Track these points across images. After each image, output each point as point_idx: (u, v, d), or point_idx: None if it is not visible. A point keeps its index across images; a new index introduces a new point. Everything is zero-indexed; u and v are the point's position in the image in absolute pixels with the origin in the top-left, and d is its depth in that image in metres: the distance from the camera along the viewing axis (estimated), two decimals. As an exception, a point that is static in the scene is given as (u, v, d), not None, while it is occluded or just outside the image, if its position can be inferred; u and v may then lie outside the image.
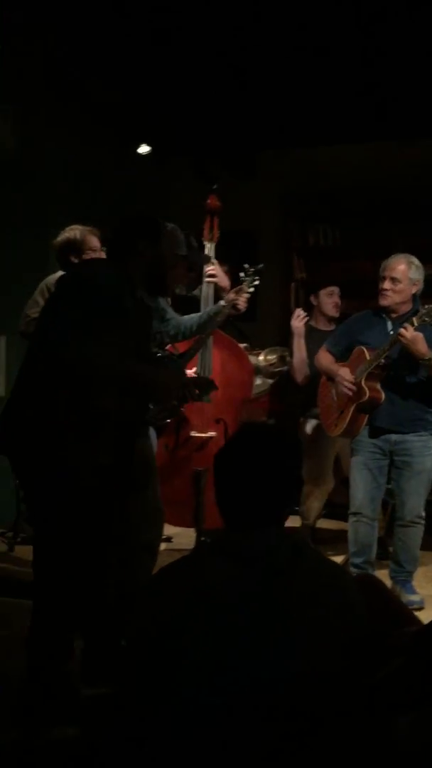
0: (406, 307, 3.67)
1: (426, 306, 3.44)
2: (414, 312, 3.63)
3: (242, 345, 4.58)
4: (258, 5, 4.02)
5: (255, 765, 1.31)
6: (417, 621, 1.90)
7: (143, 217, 2.79)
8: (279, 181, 6.18)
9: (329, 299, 4.68)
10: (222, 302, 3.63)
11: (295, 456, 1.66)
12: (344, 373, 3.71)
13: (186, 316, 3.66)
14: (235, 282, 3.87)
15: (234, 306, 3.58)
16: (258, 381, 4.75)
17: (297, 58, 4.58)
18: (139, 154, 5.47)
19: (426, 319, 3.39)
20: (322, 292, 4.72)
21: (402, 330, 3.41)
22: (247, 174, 6.05)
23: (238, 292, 3.59)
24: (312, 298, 4.88)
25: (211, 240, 4.33)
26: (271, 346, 5.00)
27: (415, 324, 3.41)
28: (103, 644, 2.66)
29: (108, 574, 2.75)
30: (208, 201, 4.38)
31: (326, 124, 5.38)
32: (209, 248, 4.34)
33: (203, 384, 3.24)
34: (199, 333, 3.61)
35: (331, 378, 3.86)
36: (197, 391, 3.17)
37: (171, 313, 3.48)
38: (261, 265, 3.72)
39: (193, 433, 4.24)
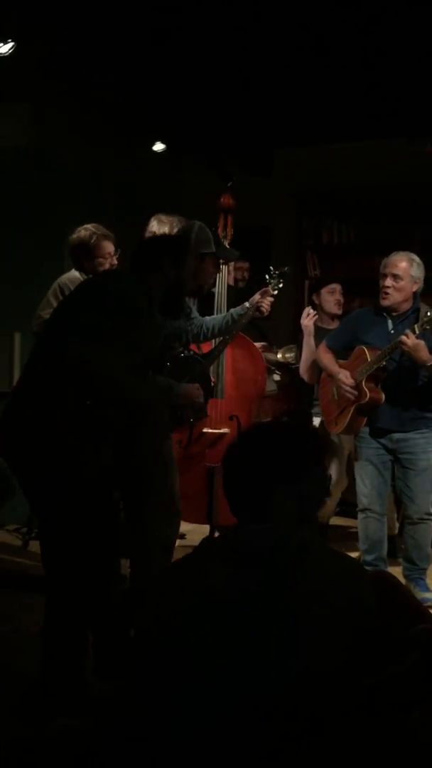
0: (407, 305, 3.64)
1: (429, 313, 3.41)
2: (415, 310, 3.61)
3: (260, 344, 4.58)
4: (273, 2, 4.01)
5: (258, 764, 1.31)
6: None
7: (170, 237, 2.82)
8: (293, 178, 6.19)
9: (331, 297, 4.66)
10: (247, 304, 3.60)
11: (308, 453, 1.65)
12: (344, 376, 3.70)
13: (210, 317, 3.64)
14: (256, 280, 3.84)
15: (258, 308, 3.54)
16: (276, 377, 4.75)
17: (312, 55, 4.57)
18: (155, 152, 5.47)
19: (427, 327, 3.37)
20: (324, 290, 4.70)
21: (403, 337, 3.38)
22: (262, 171, 6.05)
23: (263, 295, 3.55)
24: (314, 297, 4.85)
25: (224, 238, 4.33)
26: (287, 344, 4.99)
27: (417, 331, 3.38)
28: (112, 638, 2.68)
29: (112, 570, 2.78)
30: (222, 199, 4.38)
31: (340, 121, 5.37)
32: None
33: (198, 409, 3.31)
34: (223, 335, 3.59)
35: (330, 375, 3.88)
36: (191, 419, 3.31)
37: (195, 312, 3.48)
38: (286, 268, 3.68)
39: (207, 430, 4.25)
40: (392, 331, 3.62)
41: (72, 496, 2.50)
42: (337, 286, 4.69)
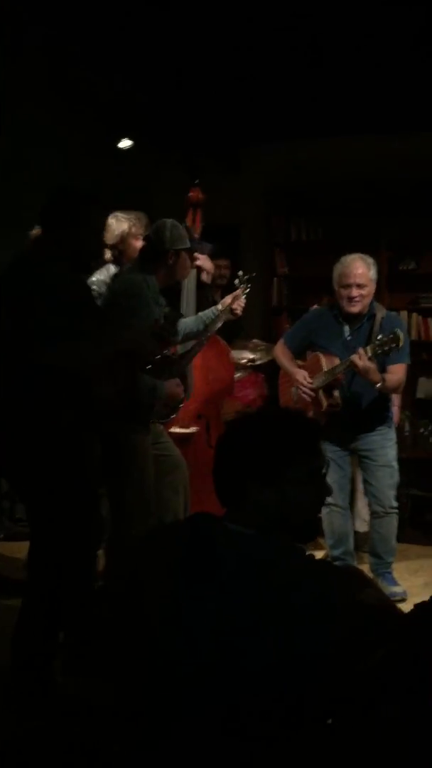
0: (365, 310, 3.64)
1: (380, 337, 3.40)
2: (371, 317, 3.62)
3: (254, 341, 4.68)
4: (243, 2, 4.02)
5: (227, 760, 1.32)
6: (400, 613, 1.92)
7: (70, 194, 2.72)
8: (262, 175, 6.20)
9: None
10: (219, 307, 3.68)
11: (292, 448, 1.56)
12: (302, 377, 3.71)
13: (184, 320, 3.70)
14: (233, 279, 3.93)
15: (232, 311, 3.64)
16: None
17: (282, 53, 4.59)
18: (122, 148, 5.45)
19: (378, 351, 3.36)
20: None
21: (355, 358, 3.39)
22: (231, 168, 6.05)
23: (234, 298, 3.64)
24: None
25: (194, 232, 4.33)
26: (255, 340, 5.00)
27: (369, 353, 3.38)
28: (84, 637, 2.67)
29: (93, 567, 2.79)
30: (191, 194, 4.38)
31: (309, 119, 5.39)
32: (193, 241, 4.35)
33: (174, 407, 3.43)
34: (198, 337, 3.66)
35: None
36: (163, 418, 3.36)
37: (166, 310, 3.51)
38: (254, 273, 3.79)
39: (175, 429, 4.24)
40: (348, 338, 3.64)
41: (63, 494, 2.52)
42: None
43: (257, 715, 1.32)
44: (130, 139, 5.46)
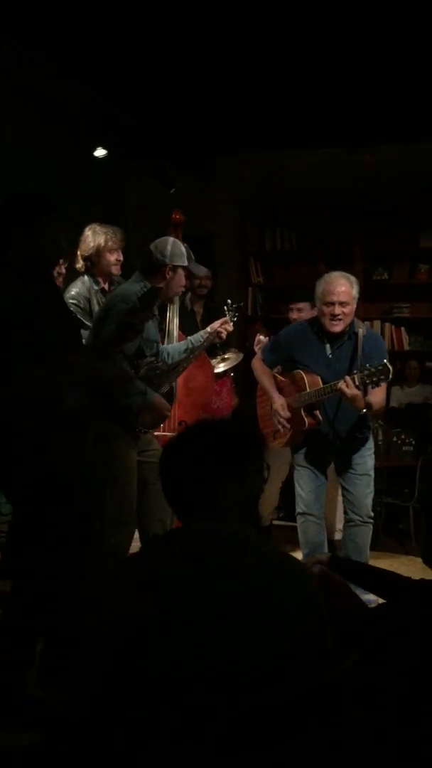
0: (346, 328, 3.63)
1: (369, 366, 3.35)
2: (352, 335, 3.61)
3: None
4: (217, 15, 4.05)
5: (204, 760, 1.32)
6: (368, 614, 1.94)
7: (21, 200, 2.58)
8: (237, 186, 6.24)
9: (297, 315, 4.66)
10: (208, 329, 3.79)
11: (249, 446, 1.64)
12: (281, 407, 3.73)
13: (172, 345, 3.82)
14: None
15: (218, 335, 3.77)
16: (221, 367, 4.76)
17: (256, 64, 4.62)
18: (98, 157, 5.45)
19: (366, 381, 3.34)
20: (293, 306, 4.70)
21: (343, 386, 3.37)
22: (206, 178, 6.08)
23: (223, 324, 3.76)
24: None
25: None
26: (231, 349, 5.02)
27: (357, 382, 3.36)
28: (63, 649, 2.66)
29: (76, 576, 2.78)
30: (174, 215, 4.47)
31: (283, 130, 5.44)
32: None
33: (155, 422, 3.46)
34: (181, 362, 3.76)
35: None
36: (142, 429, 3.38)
37: (158, 345, 3.59)
38: (241, 303, 4.06)
39: (156, 434, 4.26)
40: (330, 356, 3.63)
41: (48, 501, 2.51)
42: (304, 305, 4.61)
43: (235, 721, 1.33)
44: (105, 148, 5.47)
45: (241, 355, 4.84)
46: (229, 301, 3.89)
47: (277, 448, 4.06)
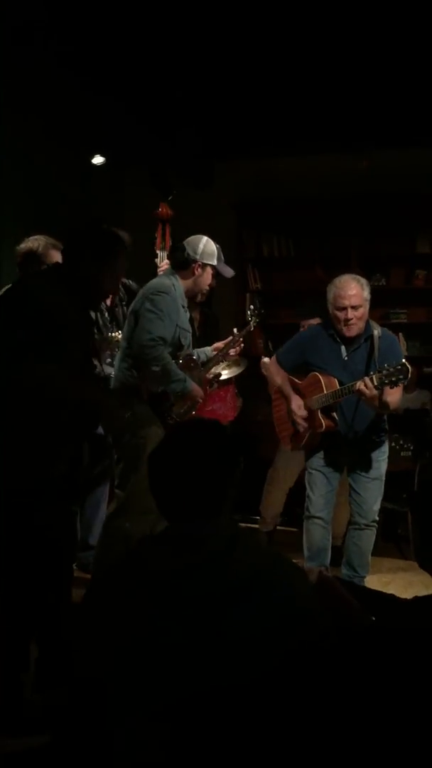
0: (361, 331, 3.64)
1: (387, 366, 3.35)
2: (368, 337, 3.61)
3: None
4: (214, 19, 4.07)
5: (204, 760, 1.32)
6: (368, 620, 1.94)
7: (95, 230, 2.77)
8: (234, 191, 6.24)
9: None
10: (214, 350, 3.86)
11: (226, 447, 1.62)
12: (297, 407, 3.74)
13: (200, 350, 3.85)
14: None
15: (225, 355, 3.86)
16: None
17: (253, 69, 4.64)
18: (95, 165, 5.47)
19: (386, 381, 3.32)
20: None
21: (362, 386, 3.36)
22: (203, 184, 6.09)
23: (234, 344, 3.83)
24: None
25: (163, 248, 4.38)
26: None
27: (375, 382, 3.34)
28: (58, 653, 2.65)
29: (68, 579, 2.77)
30: (160, 209, 4.45)
31: (279, 135, 5.45)
32: (161, 256, 4.39)
33: (186, 412, 3.57)
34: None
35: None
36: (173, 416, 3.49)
37: (190, 336, 3.69)
38: (263, 311, 4.21)
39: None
40: (346, 358, 3.62)
41: (30, 508, 2.49)
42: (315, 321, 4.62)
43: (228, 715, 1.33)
44: (102, 155, 5.48)
45: (246, 363, 4.84)
46: (252, 306, 4.04)
47: (294, 452, 4.06)
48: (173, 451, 1.59)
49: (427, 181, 5.68)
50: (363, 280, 3.60)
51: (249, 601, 1.39)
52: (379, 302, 6.14)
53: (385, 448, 3.76)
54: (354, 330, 3.55)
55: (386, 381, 3.32)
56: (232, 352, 3.81)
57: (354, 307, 3.50)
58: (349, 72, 4.63)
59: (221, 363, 4.73)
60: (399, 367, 3.30)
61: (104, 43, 4.22)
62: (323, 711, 1.39)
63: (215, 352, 3.80)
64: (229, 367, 4.74)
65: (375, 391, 3.35)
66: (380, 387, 3.35)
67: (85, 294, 2.71)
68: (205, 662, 1.35)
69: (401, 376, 3.30)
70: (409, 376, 3.31)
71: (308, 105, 5.00)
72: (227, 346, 3.79)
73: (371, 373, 3.39)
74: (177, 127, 5.19)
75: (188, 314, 3.64)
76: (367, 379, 3.36)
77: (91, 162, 5.44)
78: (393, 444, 4.98)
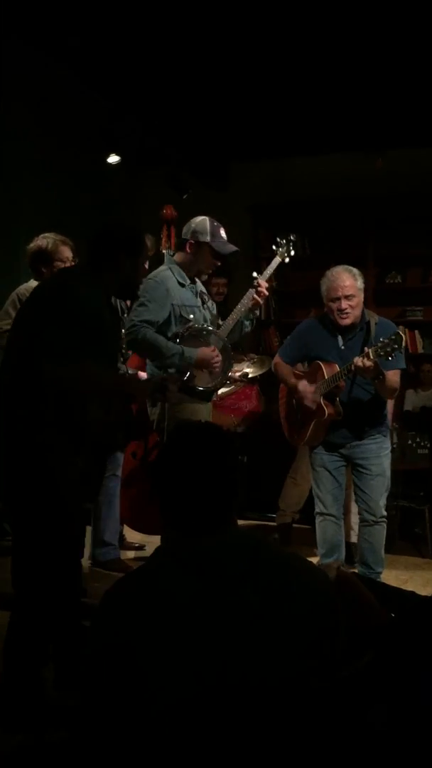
0: (356, 320, 3.66)
1: (382, 339, 3.39)
2: (364, 325, 3.65)
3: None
4: (228, 21, 4.08)
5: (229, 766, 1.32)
6: (388, 617, 1.94)
7: (126, 228, 2.79)
8: (250, 192, 6.25)
9: None
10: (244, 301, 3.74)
11: (232, 454, 1.59)
12: (304, 386, 3.74)
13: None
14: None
15: (257, 295, 3.68)
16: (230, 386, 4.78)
17: (268, 70, 4.65)
18: (111, 164, 5.49)
19: (381, 353, 3.35)
20: None
21: (357, 360, 3.39)
22: (219, 184, 6.10)
23: (258, 294, 3.68)
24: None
25: (168, 248, 4.39)
26: (250, 354, 5.04)
27: (371, 357, 3.37)
28: (73, 651, 2.67)
29: (77, 581, 2.78)
30: (165, 210, 4.47)
31: (295, 136, 5.46)
32: (168, 257, 4.39)
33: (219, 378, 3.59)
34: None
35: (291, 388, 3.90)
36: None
37: (199, 310, 3.62)
38: (292, 236, 4.01)
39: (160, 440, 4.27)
40: (343, 347, 3.66)
41: (50, 508, 2.52)
42: None
43: (251, 718, 1.33)
44: (118, 155, 5.51)
45: (270, 362, 4.87)
46: (277, 238, 3.96)
47: (303, 447, 4.06)
48: (178, 462, 1.53)
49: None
50: (355, 271, 3.63)
51: (273, 616, 1.37)
52: (395, 300, 6.17)
53: (387, 444, 3.76)
54: (349, 319, 3.60)
55: (381, 353, 3.35)
56: (256, 296, 3.67)
57: (347, 297, 3.56)
58: (364, 72, 4.63)
59: (244, 362, 4.72)
60: (393, 337, 3.34)
61: (121, 43, 4.24)
62: (348, 713, 1.38)
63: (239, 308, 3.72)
64: (254, 365, 4.78)
65: (370, 362, 3.38)
66: (377, 360, 3.38)
67: (121, 292, 2.83)
68: (228, 679, 1.34)
69: (396, 345, 3.32)
70: (403, 344, 3.33)
71: (323, 105, 5.00)
72: (248, 297, 3.70)
73: (366, 348, 3.44)
74: (194, 128, 5.21)
75: (196, 289, 3.61)
76: (363, 354, 3.41)
77: (107, 162, 5.46)
78: (410, 442, 4.98)
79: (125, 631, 1.39)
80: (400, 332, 3.39)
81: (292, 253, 3.95)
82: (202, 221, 3.56)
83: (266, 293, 3.72)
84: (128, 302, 3.93)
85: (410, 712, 1.43)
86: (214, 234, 3.54)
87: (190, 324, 3.49)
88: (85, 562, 4.14)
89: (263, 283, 3.69)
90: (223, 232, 3.57)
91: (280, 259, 3.91)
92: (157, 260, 4.42)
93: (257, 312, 3.87)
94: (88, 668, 1.45)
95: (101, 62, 4.43)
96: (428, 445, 4.89)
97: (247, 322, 3.74)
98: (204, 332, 3.53)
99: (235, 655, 1.34)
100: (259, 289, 3.66)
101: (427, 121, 5.20)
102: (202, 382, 3.51)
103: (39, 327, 2.52)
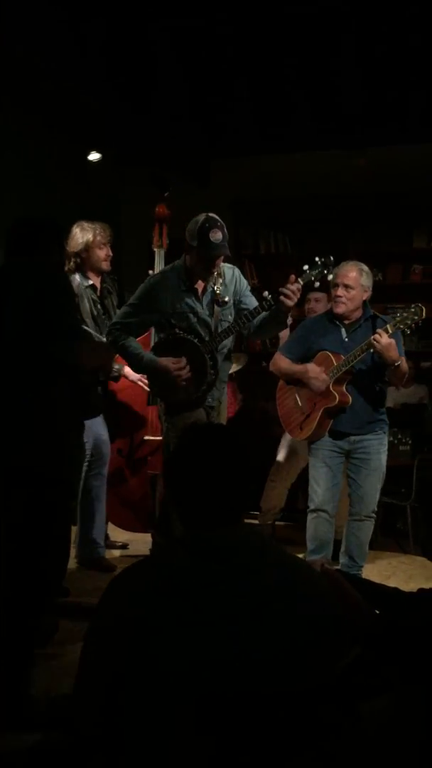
0: (358, 314, 3.74)
1: (399, 313, 3.48)
2: (368, 318, 3.72)
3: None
4: (211, 18, 4.07)
5: (230, 755, 1.33)
6: (373, 613, 1.95)
7: (51, 223, 2.92)
8: (230, 188, 6.25)
9: (317, 304, 4.70)
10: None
11: (245, 452, 1.63)
12: (314, 368, 3.72)
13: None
14: None
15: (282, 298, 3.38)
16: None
17: (250, 68, 4.65)
18: (91, 161, 5.47)
19: (401, 326, 3.43)
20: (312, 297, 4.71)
21: (377, 336, 3.44)
22: (200, 182, 6.10)
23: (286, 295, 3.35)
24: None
25: (160, 247, 4.39)
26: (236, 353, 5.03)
27: (390, 331, 3.45)
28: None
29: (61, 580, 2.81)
30: (157, 209, 4.45)
31: (276, 133, 5.46)
32: (159, 255, 4.39)
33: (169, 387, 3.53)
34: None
35: (292, 381, 3.89)
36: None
37: (194, 316, 3.49)
38: (331, 257, 3.48)
39: (147, 437, 4.27)
40: (346, 339, 3.70)
41: (48, 502, 2.59)
42: (321, 295, 4.62)
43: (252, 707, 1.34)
44: (99, 152, 5.48)
45: (246, 359, 4.87)
46: (316, 258, 3.46)
47: (299, 448, 4.06)
48: (193, 458, 1.57)
49: (423, 178, 5.69)
50: (365, 269, 3.73)
51: (277, 612, 1.39)
52: (375, 298, 6.13)
53: (385, 440, 3.80)
54: (341, 308, 3.68)
55: (401, 325, 3.42)
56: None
57: (346, 286, 3.63)
58: (346, 69, 4.64)
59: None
60: (412, 309, 3.41)
61: (102, 38, 4.22)
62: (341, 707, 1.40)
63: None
64: (236, 361, 4.77)
65: (389, 340, 3.41)
66: (393, 335, 3.43)
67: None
68: (234, 672, 1.35)
69: (416, 317, 3.39)
70: (423, 315, 3.37)
71: (305, 102, 5.01)
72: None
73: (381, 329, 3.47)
74: (175, 125, 5.20)
75: (194, 293, 3.46)
76: (380, 330, 3.44)
77: (87, 159, 5.43)
78: (391, 438, 5.00)
79: (132, 614, 1.41)
80: (421, 305, 3.43)
81: (330, 277, 3.46)
82: (193, 223, 3.38)
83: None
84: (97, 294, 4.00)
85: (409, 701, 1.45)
86: (203, 236, 3.33)
87: (172, 331, 3.45)
88: (71, 561, 4.15)
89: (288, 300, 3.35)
90: (216, 234, 3.32)
91: (303, 282, 3.41)
92: (149, 257, 4.45)
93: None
94: (88, 651, 1.47)
95: (85, 58, 4.41)
96: (409, 442, 4.93)
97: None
98: (186, 342, 3.43)
99: (237, 643, 1.36)
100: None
101: (407, 119, 5.24)
102: (180, 393, 3.46)
103: (38, 314, 2.62)
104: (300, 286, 3.36)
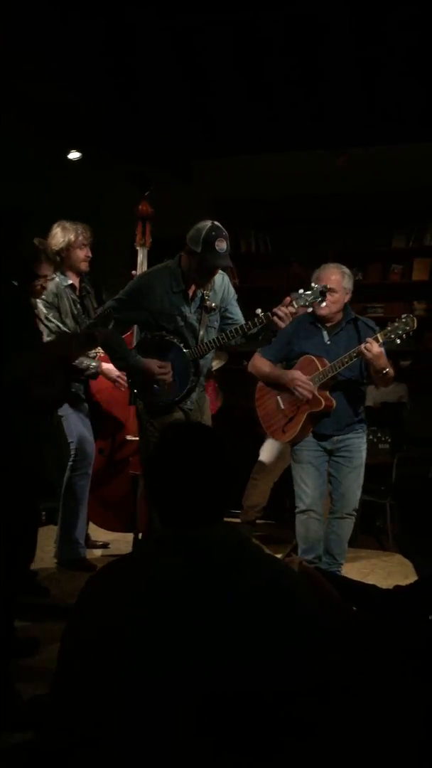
0: (340, 316, 3.76)
1: (393, 321, 3.47)
2: (349, 321, 3.74)
3: None
4: (194, 18, 4.08)
5: (207, 754, 1.34)
6: (351, 610, 1.98)
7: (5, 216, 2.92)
8: (212, 188, 6.26)
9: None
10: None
11: (225, 450, 1.62)
12: (299, 375, 3.72)
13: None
14: None
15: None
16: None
17: (231, 67, 4.66)
18: (72, 160, 5.46)
19: (392, 336, 3.43)
20: None
21: (368, 345, 3.44)
22: (182, 181, 6.10)
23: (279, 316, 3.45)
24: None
25: (143, 245, 4.39)
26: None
27: (380, 340, 3.45)
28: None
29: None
30: (140, 207, 4.44)
31: (257, 133, 5.48)
32: (142, 254, 4.39)
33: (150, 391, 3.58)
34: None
35: (273, 384, 3.89)
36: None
37: (182, 319, 3.52)
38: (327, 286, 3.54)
39: (129, 437, 4.27)
40: (329, 342, 3.73)
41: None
42: None
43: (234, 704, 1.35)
44: (79, 151, 5.47)
45: (227, 357, 4.88)
46: (313, 285, 3.53)
47: (282, 446, 4.09)
48: (173, 457, 1.56)
49: (403, 178, 5.74)
50: (347, 271, 3.75)
51: (256, 611, 1.39)
52: (355, 297, 6.17)
53: (365, 438, 3.84)
54: (324, 311, 3.67)
55: (392, 335, 3.43)
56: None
57: (329, 290, 3.60)
58: (326, 70, 4.66)
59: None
60: (404, 318, 3.41)
61: (85, 36, 4.22)
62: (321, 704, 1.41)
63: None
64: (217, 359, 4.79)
65: (380, 349, 3.43)
66: (383, 345, 3.44)
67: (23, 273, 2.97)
68: (209, 670, 1.36)
69: (407, 327, 3.41)
70: (415, 326, 3.39)
71: (286, 103, 5.03)
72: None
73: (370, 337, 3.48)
74: (156, 123, 5.20)
75: (185, 297, 3.47)
76: (371, 339, 3.45)
77: (67, 158, 5.42)
78: (371, 437, 5.05)
79: (111, 611, 1.41)
80: (413, 316, 3.45)
81: (323, 304, 3.52)
82: (198, 229, 3.36)
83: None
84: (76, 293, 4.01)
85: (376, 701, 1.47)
86: (209, 244, 3.31)
87: (160, 333, 3.46)
88: (51, 561, 4.15)
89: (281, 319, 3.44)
90: (221, 244, 3.32)
91: (298, 306, 3.46)
92: (131, 255, 4.45)
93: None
94: (67, 648, 1.46)
95: (67, 56, 4.39)
96: (389, 440, 4.98)
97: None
98: (172, 346, 3.46)
99: (217, 640, 1.36)
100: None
101: (387, 120, 5.27)
102: (159, 395, 3.50)
103: None
104: (294, 310, 3.47)
